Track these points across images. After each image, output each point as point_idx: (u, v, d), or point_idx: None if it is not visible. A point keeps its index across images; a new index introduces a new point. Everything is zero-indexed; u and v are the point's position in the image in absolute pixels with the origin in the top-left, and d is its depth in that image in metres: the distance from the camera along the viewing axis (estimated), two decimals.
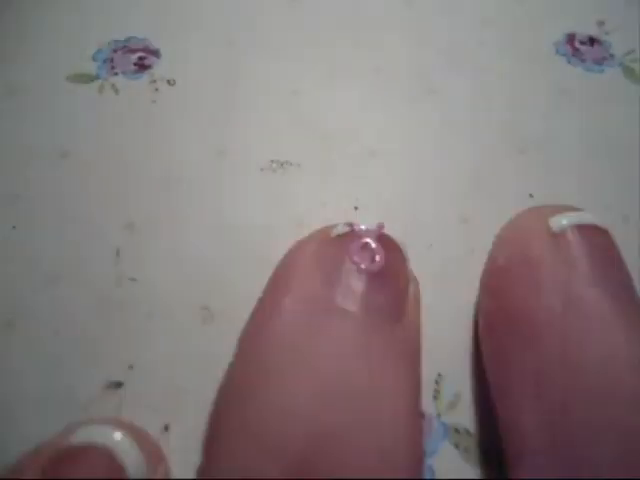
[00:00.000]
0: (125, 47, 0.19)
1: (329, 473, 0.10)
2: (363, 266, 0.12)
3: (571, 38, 0.20)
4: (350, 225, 0.12)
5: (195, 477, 0.11)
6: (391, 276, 0.12)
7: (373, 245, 0.12)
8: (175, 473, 0.12)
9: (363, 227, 0.12)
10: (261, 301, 0.12)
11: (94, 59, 0.18)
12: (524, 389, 0.11)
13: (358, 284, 0.11)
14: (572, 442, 0.10)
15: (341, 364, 0.11)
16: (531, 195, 0.16)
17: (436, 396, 0.13)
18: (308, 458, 0.10)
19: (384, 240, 0.12)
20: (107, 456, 0.11)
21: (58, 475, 0.10)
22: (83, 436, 0.11)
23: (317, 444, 0.10)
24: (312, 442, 0.10)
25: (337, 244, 0.12)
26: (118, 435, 0.11)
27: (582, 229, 0.12)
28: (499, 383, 0.12)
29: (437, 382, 0.14)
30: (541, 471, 0.11)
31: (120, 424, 0.11)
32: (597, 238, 0.12)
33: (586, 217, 0.13)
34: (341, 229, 0.12)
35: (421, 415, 0.13)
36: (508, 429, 0.12)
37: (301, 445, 0.10)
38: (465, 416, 0.13)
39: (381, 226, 0.12)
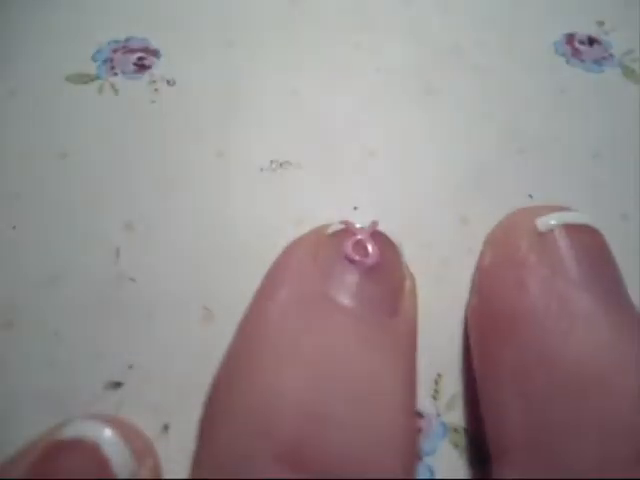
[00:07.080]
0: (125, 47, 0.19)
1: (321, 456, 0.10)
2: (357, 260, 0.12)
3: (570, 38, 0.20)
4: (344, 223, 0.12)
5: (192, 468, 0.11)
6: (385, 271, 0.12)
7: (367, 241, 0.12)
8: (174, 473, 0.12)
9: (357, 225, 0.12)
10: (257, 294, 0.12)
11: (94, 59, 0.18)
12: (505, 387, 0.11)
13: (352, 278, 0.12)
14: (553, 439, 0.10)
15: (334, 351, 0.11)
16: (530, 195, 0.16)
17: (435, 396, 0.13)
18: (300, 441, 0.10)
19: (378, 237, 0.12)
20: (94, 450, 0.11)
21: (46, 468, 0.10)
22: (71, 431, 0.11)
23: (309, 428, 0.10)
24: (304, 426, 0.10)
25: (332, 241, 0.12)
26: (106, 430, 0.11)
27: (569, 229, 0.12)
28: (482, 381, 0.12)
29: (436, 382, 0.14)
30: (523, 468, 0.11)
31: (109, 420, 0.11)
32: (585, 237, 0.12)
33: (575, 216, 0.13)
34: (336, 227, 0.12)
35: (417, 413, 0.13)
36: (491, 426, 0.12)
37: (293, 428, 0.10)
38: (464, 416, 0.13)
39: (375, 224, 0.12)
